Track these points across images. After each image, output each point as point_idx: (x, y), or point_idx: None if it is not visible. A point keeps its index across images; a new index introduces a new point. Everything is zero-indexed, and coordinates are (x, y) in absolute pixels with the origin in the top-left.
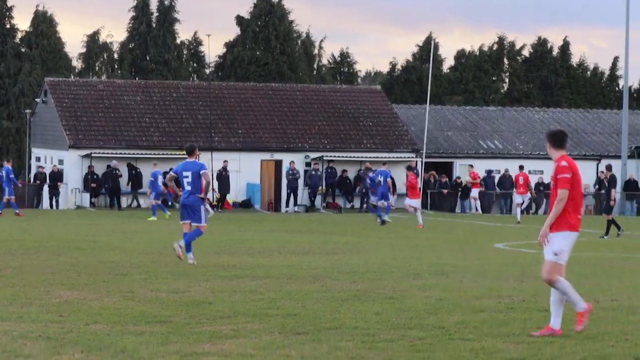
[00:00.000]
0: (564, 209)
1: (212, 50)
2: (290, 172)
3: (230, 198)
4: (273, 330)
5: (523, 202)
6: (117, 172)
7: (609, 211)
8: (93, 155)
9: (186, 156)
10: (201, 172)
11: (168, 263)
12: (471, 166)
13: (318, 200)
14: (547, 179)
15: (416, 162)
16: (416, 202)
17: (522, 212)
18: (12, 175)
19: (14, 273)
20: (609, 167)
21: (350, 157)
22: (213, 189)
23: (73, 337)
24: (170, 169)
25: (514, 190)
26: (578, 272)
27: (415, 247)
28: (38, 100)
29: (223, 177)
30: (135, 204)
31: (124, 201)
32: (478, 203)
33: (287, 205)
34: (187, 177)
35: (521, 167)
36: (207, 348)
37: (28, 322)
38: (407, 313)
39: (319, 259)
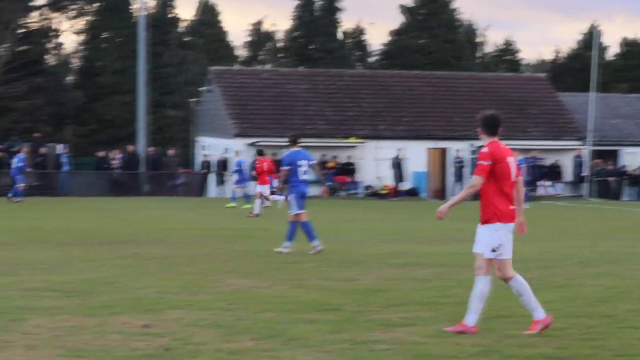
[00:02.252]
0: (491, 200)
1: (376, 39)
2: (456, 160)
3: (396, 186)
4: (443, 318)
5: None
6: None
7: None
8: (258, 143)
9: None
10: (312, 163)
11: (339, 251)
12: None
13: None
14: None
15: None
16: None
17: None
18: (21, 164)
19: (186, 261)
20: None
21: (515, 145)
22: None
23: (244, 325)
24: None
25: None
26: None
27: (587, 234)
28: (203, 89)
29: (397, 165)
30: None
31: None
32: None
33: (453, 193)
34: (302, 166)
35: None
36: (378, 336)
37: (199, 310)
38: (578, 301)
39: None
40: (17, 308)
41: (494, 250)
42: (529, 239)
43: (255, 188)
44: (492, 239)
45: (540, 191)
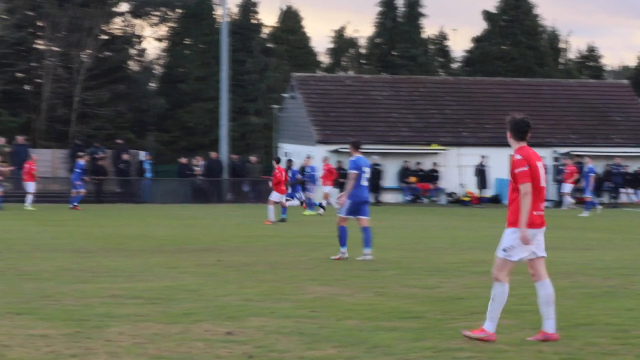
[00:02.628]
0: (515, 205)
1: (458, 45)
2: None
3: (479, 193)
4: (526, 326)
5: None
6: (379, 166)
7: None
8: (340, 150)
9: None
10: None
11: (421, 259)
12: None
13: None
14: None
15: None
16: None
17: None
18: (79, 171)
19: (267, 269)
20: None
21: (598, 152)
22: (461, 184)
23: (326, 333)
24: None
25: None
26: None
27: None
28: (286, 95)
29: (481, 172)
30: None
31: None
32: None
33: None
34: (365, 172)
35: None
36: (460, 344)
37: (281, 317)
38: None
39: (571, 255)
40: (99, 315)
41: (504, 250)
42: (609, 246)
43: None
44: (507, 240)
45: (623, 198)
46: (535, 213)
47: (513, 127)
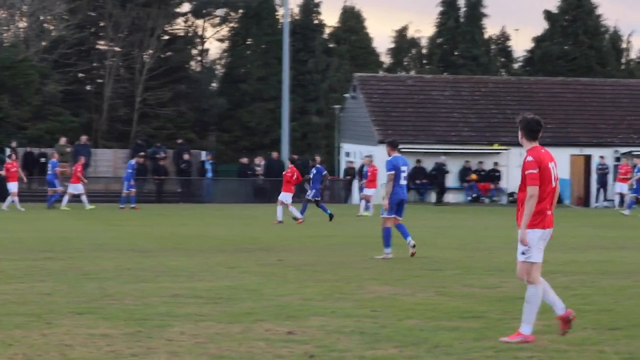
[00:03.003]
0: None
1: (520, 45)
2: (600, 166)
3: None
4: (587, 326)
5: None
6: (445, 167)
7: None
8: (402, 150)
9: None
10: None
11: (481, 259)
12: None
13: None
14: None
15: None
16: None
17: None
18: (130, 170)
19: (327, 268)
20: None
21: None
22: None
23: (387, 332)
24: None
25: None
26: None
27: None
28: (347, 95)
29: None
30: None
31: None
32: None
33: (596, 201)
34: (404, 171)
35: None
36: (521, 344)
37: (342, 317)
38: None
39: (633, 255)
40: (160, 315)
41: (523, 253)
42: None
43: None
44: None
45: None
46: (548, 213)
47: (525, 127)
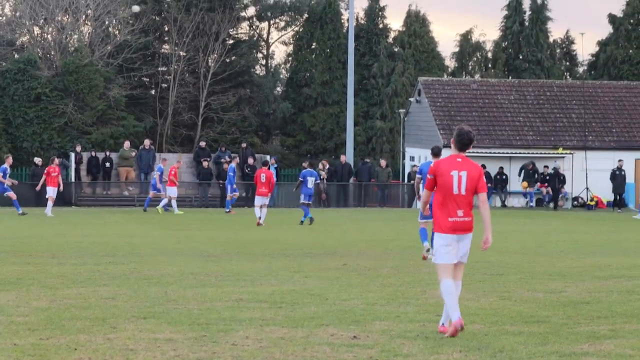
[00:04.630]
0: (433, 210)
1: (585, 49)
2: None
3: (605, 197)
4: None
5: None
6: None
7: None
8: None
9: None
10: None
11: (544, 263)
12: None
13: None
14: None
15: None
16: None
17: None
18: (231, 174)
19: (390, 272)
20: None
21: None
22: (587, 188)
23: (451, 337)
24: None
25: None
26: None
27: None
28: (412, 100)
29: (617, 177)
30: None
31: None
32: None
33: None
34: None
35: None
36: (585, 348)
37: (406, 321)
38: None
39: None
40: (224, 319)
41: (432, 254)
42: None
43: None
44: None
45: None
46: (449, 219)
47: (455, 138)
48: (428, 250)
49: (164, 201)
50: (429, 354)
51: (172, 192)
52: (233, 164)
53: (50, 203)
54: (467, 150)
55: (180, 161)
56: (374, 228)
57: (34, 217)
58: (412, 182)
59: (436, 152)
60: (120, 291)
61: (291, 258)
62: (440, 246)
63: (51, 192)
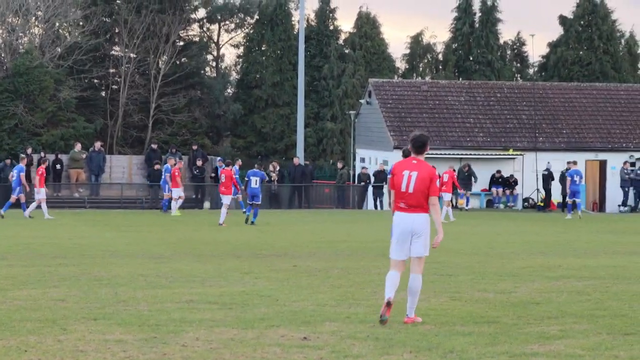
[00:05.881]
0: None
1: (535, 50)
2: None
3: (555, 198)
4: (601, 331)
5: None
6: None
7: None
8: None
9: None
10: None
11: (494, 264)
12: None
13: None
14: None
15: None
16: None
17: None
18: (237, 176)
19: (341, 274)
20: None
21: None
22: (538, 189)
23: (401, 338)
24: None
25: None
26: None
27: None
28: (362, 101)
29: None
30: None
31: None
32: None
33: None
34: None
35: None
36: (535, 348)
37: (356, 322)
38: None
39: None
40: (174, 320)
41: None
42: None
43: None
44: None
45: None
46: (398, 213)
47: (410, 142)
48: None
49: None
50: (379, 355)
51: (176, 192)
52: (237, 167)
53: (44, 205)
54: (423, 152)
55: (177, 160)
56: (324, 229)
57: None
58: (363, 183)
59: (407, 154)
60: (71, 293)
61: (241, 259)
62: (392, 242)
63: (42, 193)
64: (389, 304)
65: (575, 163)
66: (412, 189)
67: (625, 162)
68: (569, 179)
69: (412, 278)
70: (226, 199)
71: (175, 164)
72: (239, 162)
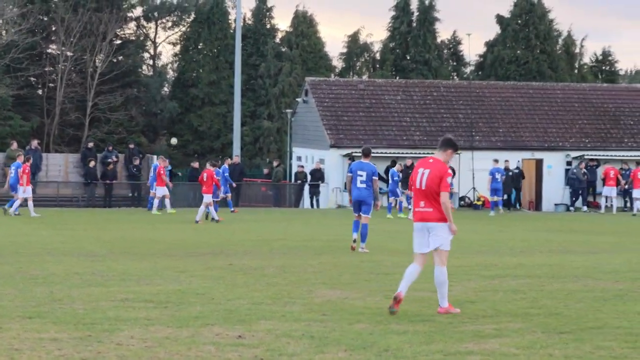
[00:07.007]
0: None
1: (472, 50)
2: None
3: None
4: (536, 329)
5: None
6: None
7: None
8: (354, 154)
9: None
10: (374, 178)
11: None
12: None
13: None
14: None
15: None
16: None
17: None
18: (227, 174)
19: (276, 272)
20: None
21: (611, 156)
22: (474, 188)
23: (336, 336)
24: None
25: None
26: None
27: None
28: (299, 100)
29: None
30: None
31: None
32: None
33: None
34: (361, 175)
35: None
36: (470, 347)
37: (291, 320)
38: None
39: (580, 259)
40: (109, 319)
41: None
42: (617, 249)
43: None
44: None
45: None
46: (415, 210)
47: (443, 142)
48: (355, 241)
49: (167, 202)
50: (314, 353)
51: (161, 191)
52: (226, 165)
53: (29, 203)
54: (444, 151)
55: (165, 159)
56: (260, 228)
57: None
58: (299, 182)
59: (366, 153)
60: (5, 291)
61: (177, 257)
62: (414, 236)
63: (29, 191)
64: (395, 299)
65: (496, 161)
66: (424, 185)
67: (580, 163)
68: (489, 177)
69: (435, 270)
70: (207, 198)
71: (162, 163)
72: (228, 160)
